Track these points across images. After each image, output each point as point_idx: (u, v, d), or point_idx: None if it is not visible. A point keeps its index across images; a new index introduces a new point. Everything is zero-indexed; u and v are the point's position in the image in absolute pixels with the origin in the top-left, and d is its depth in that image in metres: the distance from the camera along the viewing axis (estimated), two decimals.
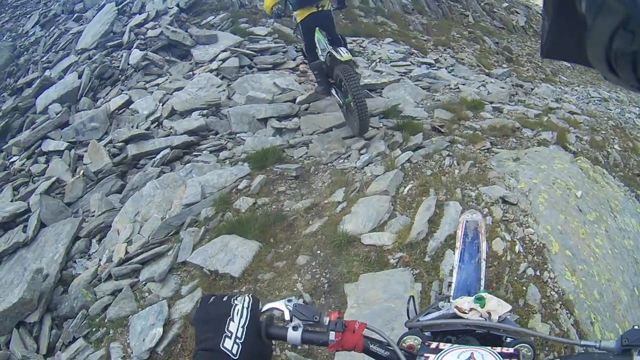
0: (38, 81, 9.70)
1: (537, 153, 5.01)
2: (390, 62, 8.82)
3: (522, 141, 5.56)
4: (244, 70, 8.38)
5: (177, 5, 10.95)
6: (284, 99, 7.53)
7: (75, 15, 14.02)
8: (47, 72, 10.65)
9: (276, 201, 4.73)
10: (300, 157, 5.72)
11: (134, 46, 9.37)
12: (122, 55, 9.33)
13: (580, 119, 7.08)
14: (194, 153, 6.56)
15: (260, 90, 7.67)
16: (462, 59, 10.14)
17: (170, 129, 7.07)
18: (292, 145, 6.08)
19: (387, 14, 12.42)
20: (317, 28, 5.03)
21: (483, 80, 8.51)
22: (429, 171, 4.47)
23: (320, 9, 4.92)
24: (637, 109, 9.63)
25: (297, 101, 7.36)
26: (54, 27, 14.10)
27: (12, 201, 6.22)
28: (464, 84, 7.96)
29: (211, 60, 8.71)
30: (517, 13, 17.11)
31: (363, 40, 10.19)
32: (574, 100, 8.95)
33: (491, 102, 6.95)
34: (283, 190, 4.96)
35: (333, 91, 5.49)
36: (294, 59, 9.02)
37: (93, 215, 5.55)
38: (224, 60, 8.47)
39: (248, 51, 8.80)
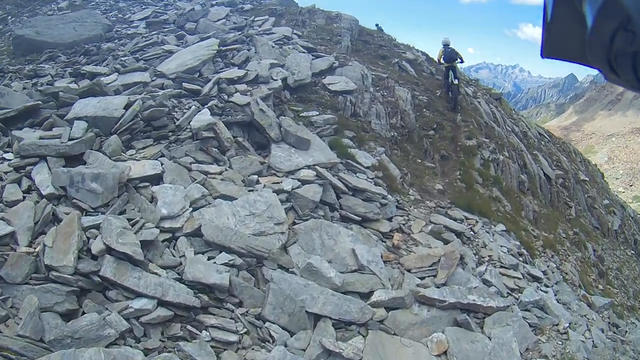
0: (89, 84, 7.79)
1: None
2: (500, 265, 7.34)
3: None
4: (322, 209, 5.97)
5: (284, 80, 9.20)
6: (357, 287, 4.96)
7: (180, 32, 12.86)
8: (109, 77, 8.89)
9: None
10: None
11: (209, 103, 7.35)
12: (190, 107, 7.29)
13: None
14: (189, 326, 3.94)
15: (331, 255, 5.16)
16: (567, 274, 9.23)
17: (181, 256, 4.54)
18: None
19: (503, 187, 10.55)
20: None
21: (587, 318, 7.61)
22: None
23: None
24: None
25: (372, 300, 4.79)
26: (157, 32, 12.94)
27: None
28: (568, 324, 6.71)
29: (289, 173, 6.42)
30: (614, 214, 16.92)
31: (476, 222, 8.04)
32: None
33: None
34: None
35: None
36: (391, 219, 6.59)
37: None
38: (303, 183, 6.13)
39: (340, 183, 6.46)
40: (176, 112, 7.17)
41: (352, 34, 15.74)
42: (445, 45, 12.45)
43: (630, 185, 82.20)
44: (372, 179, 7.23)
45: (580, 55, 0.54)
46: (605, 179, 29.37)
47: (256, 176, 6.31)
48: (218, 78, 8.27)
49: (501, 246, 8.12)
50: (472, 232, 7.66)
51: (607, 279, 11.58)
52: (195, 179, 5.84)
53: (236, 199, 5.59)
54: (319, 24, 16.32)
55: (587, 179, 19.08)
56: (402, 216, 6.84)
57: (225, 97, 7.93)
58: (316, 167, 6.68)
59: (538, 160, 15.62)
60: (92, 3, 16.76)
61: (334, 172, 6.85)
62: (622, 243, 15.51)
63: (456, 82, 12.49)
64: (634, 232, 18.70)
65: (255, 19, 15.03)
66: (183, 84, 8.14)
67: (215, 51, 9.70)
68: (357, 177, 7.05)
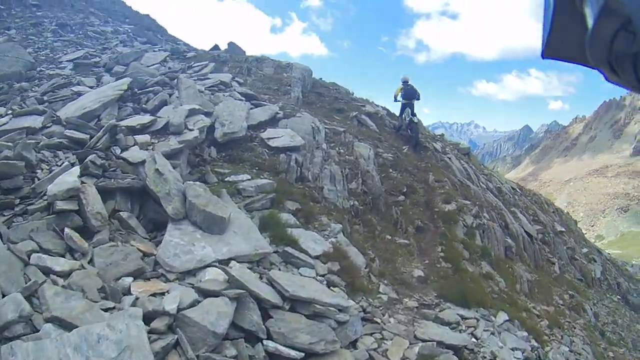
0: None
1: None
2: None
3: None
4: (233, 345, 3.55)
5: (209, 133, 7.10)
6: None
7: (103, 75, 10.72)
8: (1, 120, 6.72)
9: None
10: None
11: (86, 159, 5.07)
12: (62, 163, 5.01)
13: None
14: None
15: None
16: (580, 354, 8.04)
17: None
18: None
19: (492, 259, 8.58)
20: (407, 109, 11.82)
21: None
22: None
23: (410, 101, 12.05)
24: None
25: None
26: (80, 75, 10.74)
27: None
28: None
29: (185, 274, 4.06)
30: (595, 261, 16.84)
31: (477, 321, 5.92)
32: None
33: None
34: None
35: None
36: (355, 344, 4.26)
37: None
38: (204, 295, 3.77)
39: (269, 291, 4.11)
40: (41, 169, 4.82)
41: (304, 85, 14.13)
42: (405, 82, 12.11)
43: (592, 226, 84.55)
44: (323, 276, 4.90)
45: (581, 56, 0.54)
46: (578, 226, 29.05)
47: (130, 279, 3.90)
48: (112, 125, 6.00)
49: (512, 350, 5.99)
50: (474, 340, 5.38)
51: (607, 339, 10.79)
52: (31, 280, 3.40)
53: (76, 326, 3.17)
54: (267, 73, 14.65)
55: (563, 229, 18.66)
56: (372, 335, 4.49)
57: (119, 151, 5.65)
58: (232, 263, 4.35)
59: (517, 217, 14.09)
60: (29, 40, 14.64)
61: (262, 270, 4.52)
62: (607, 290, 15.18)
63: (415, 119, 12.08)
64: (615, 275, 18.05)
65: (194, 65, 13.32)
66: (65, 131, 5.85)
67: (122, 92, 7.51)
68: (301, 275, 4.72)
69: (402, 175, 9.17)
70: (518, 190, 20.32)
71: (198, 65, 13.34)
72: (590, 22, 0.47)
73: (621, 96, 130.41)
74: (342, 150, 8.90)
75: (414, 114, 12.05)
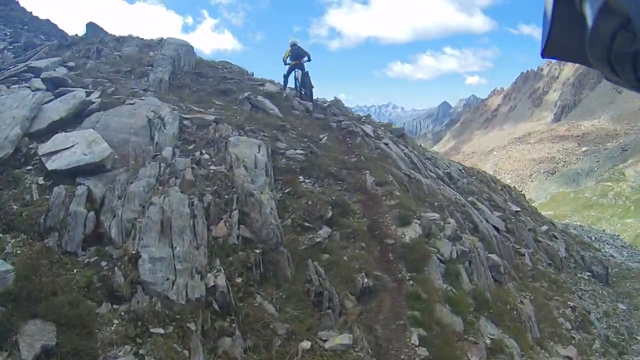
0: None
1: None
2: None
3: None
4: None
5: None
6: None
7: None
8: None
9: None
10: None
11: None
12: None
13: None
14: None
15: None
16: None
17: None
18: None
19: (489, 305, 4.99)
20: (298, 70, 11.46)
21: None
22: None
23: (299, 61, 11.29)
24: None
25: None
26: None
27: None
28: None
29: None
30: (556, 238, 16.03)
31: None
32: None
33: None
34: None
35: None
36: None
37: None
38: None
39: None
40: None
41: (178, 64, 9.92)
42: (293, 45, 11.27)
43: (521, 191, 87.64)
44: None
45: (581, 55, 0.52)
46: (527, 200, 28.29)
47: None
48: None
49: None
50: None
51: (619, 350, 9.07)
52: None
53: None
54: (127, 53, 10.42)
55: (518, 208, 16.93)
56: None
57: None
58: None
59: (479, 209, 11.15)
60: None
61: None
62: (575, 269, 14.25)
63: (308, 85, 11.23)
64: (578, 249, 16.91)
65: (29, 52, 10.23)
66: None
67: None
68: None
69: (322, 184, 5.34)
70: (464, 171, 17.77)
71: (32, 52, 10.36)
72: (589, 21, 0.47)
73: (538, 67, 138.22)
74: (207, 156, 4.82)
75: (307, 75, 11.40)
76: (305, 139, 6.75)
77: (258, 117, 7.25)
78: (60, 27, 25.05)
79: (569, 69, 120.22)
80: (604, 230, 36.71)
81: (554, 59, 0.60)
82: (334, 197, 5.20)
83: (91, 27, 15.06)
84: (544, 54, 0.61)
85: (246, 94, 8.38)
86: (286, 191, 4.90)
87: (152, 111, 5.31)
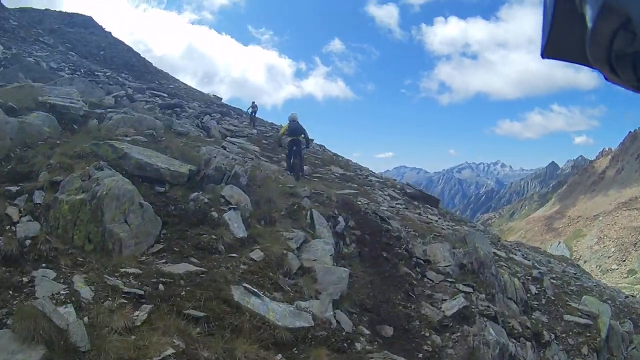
0: None
1: None
2: None
3: None
4: None
5: None
6: None
7: None
8: None
9: None
10: None
11: None
12: None
13: None
14: None
15: None
16: None
17: None
18: None
19: None
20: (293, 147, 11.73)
21: None
22: None
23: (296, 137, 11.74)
24: None
25: None
26: None
27: None
28: None
29: None
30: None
31: None
32: None
33: None
34: None
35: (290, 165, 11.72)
36: None
37: None
38: None
39: None
40: None
41: None
42: (292, 121, 11.87)
43: (623, 261, 74.56)
44: None
45: (581, 56, 0.52)
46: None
47: None
48: None
49: None
50: None
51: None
52: None
53: None
54: None
55: None
56: None
57: None
58: None
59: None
60: None
61: None
62: None
63: (297, 160, 11.80)
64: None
65: None
66: None
67: None
68: None
69: None
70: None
71: None
72: (589, 21, 0.46)
73: None
74: None
75: (300, 151, 11.80)
76: None
77: None
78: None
79: None
80: None
81: (555, 59, 0.60)
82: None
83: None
84: (544, 54, 0.61)
85: None
86: None
87: None
